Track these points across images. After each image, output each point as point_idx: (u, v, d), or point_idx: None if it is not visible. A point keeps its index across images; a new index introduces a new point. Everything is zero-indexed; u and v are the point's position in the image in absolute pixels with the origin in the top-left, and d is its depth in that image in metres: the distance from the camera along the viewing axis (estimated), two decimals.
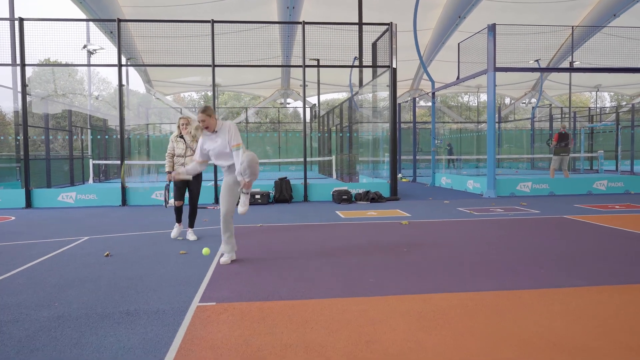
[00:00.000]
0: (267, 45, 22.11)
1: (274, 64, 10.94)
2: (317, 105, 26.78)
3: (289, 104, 33.30)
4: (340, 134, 17.55)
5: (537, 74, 32.35)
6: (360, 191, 11.08)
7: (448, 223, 7.72)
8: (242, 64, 11.07)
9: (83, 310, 3.56)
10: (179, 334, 3.08)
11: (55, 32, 11.61)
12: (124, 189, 10.76)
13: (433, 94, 15.39)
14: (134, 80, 32.18)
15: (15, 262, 5.20)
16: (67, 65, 10.90)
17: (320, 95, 35.09)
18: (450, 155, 25.99)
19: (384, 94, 14.47)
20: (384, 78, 12.50)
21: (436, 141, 15.64)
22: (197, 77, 30.98)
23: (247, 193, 5.09)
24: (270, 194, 10.94)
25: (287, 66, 11.67)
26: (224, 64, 11.02)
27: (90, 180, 18.94)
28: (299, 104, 33.39)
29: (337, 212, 9.29)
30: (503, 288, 4.00)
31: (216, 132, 4.97)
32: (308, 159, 26.49)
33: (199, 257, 5.38)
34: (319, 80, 19.92)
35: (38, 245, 6.23)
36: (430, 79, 15.29)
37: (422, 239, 6.34)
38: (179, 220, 6.71)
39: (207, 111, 4.92)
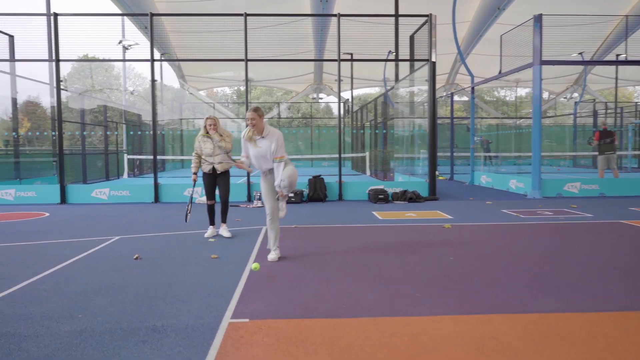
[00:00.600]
0: (300, 40, 21.84)
1: (308, 58, 10.53)
2: (350, 100, 26.33)
3: (321, 99, 32.95)
4: (376, 131, 17.08)
5: (579, 68, 31.01)
6: (397, 190, 10.64)
7: (494, 227, 7.23)
8: (275, 58, 10.74)
9: (107, 325, 3.30)
10: (209, 359, 2.77)
11: (91, 27, 11.61)
12: (157, 186, 10.64)
13: (472, 88, 14.76)
14: (168, 75, 32.52)
15: (44, 264, 5.03)
16: (100, 60, 10.87)
17: (353, 90, 34.68)
18: (488, 152, 25.15)
19: (421, 89, 13.96)
20: (422, 72, 12.00)
21: (475, 138, 15.01)
22: (229, 72, 30.96)
23: (283, 200, 5.26)
24: (304, 193, 10.63)
25: (321, 60, 11.36)
26: (257, 58, 10.74)
27: (125, 175, 19.09)
28: (332, 98, 33.02)
29: (373, 212, 8.89)
30: (570, 309, 3.54)
31: (263, 137, 4.96)
32: (334, 155, 26.01)
33: (231, 262, 5.10)
34: (352, 75, 19.50)
35: (68, 245, 6.07)
36: (470, 73, 14.66)
37: (468, 245, 5.89)
38: (212, 222, 6.71)
39: (258, 111, 4.96)
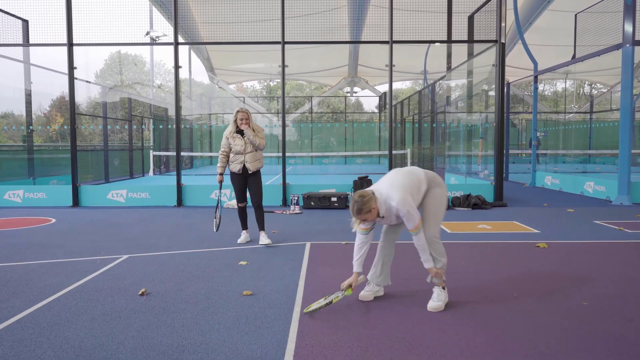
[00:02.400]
0: (334, 30, 20.27)
1: (352, 40, 9.03)
2: (387, 93, 24.70)
3: (355, 92, 31.34)
4: (426, 125, 15.43)
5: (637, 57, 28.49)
6: (459, 194, 9.05)
7: (602, 248, 5.59)
8: (315, 40, 9.28)
9: None
10: None
11: (116, 16, 10.51)
12: (179, 187, 9.33)
13: (536, 77, 12.98)
14: (197, 69, 31.27)
15: (16, 303, 3.70)
16: (119, 44, 9.60)
17: (386, 84, 32.96)
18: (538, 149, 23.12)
19: (478, 77, 12.28)
20: (484, 58, 10.37)
21: (538, 133, 13.23)
22: (260, 63, 29.67)
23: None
24: (349, 197, 9.14)
25: (369, 42, 9.72)
26: (295, 40, 9.29)
27: (151, 173, 18.00)
28: (367, 92, 31.36)
29: None
30: None
31: (383, 217, 3.57)
32: (377, 152, 24.32)
33: (272, 301, 3.65)
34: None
35: (62, 268, 4.75)
36: (533, 60, 12.89)
37: (587, 276, 4.30)
38: (244, 226, 5.99)
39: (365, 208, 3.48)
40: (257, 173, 5.74)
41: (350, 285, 3.60)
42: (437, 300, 3.55)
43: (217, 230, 5.85)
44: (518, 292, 3.92)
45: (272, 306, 3.61)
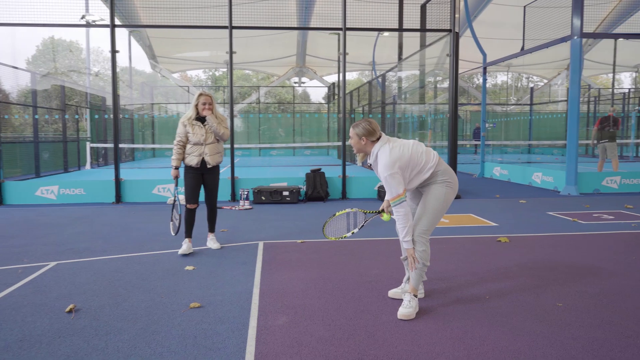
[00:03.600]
0: (281, 18, 19.73)
1: (304, 27, 8.56)
2: (336, 84, 24.37)
3: (304, 83, 30.89)
4: (380, 115, 15.23)
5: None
6: None
7: (563, 240, 5.50)
8: (265, 25, 8.76)
9: None
10: None
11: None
12: (118, 182, 8.61)
13: (484, 69, 13.04)
14: (138, 57, 29.79)
15: None
16: (50, 25, 8.68)
17: (334, 75, 32.68)
18: (477, 140, 23.65)
19: (429, 67, 12.19)
20: (433, 49, 10.25)
21: (487, 124, 13.34)
22: (205, 52, 28.63)
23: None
24: (301, 190, 8.76)
25: (322, 29, 9.21)
26: (243, 25, 8.75)
27: (88, 166, 16.85)
28: (315, 83, 30.99)
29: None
30: None
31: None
32: (330, 144, 24.02)
33: (224, 314, 3.22)
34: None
35: None
36: (482, 52, 12.93)
37: (553, 272, 4.14)
38: (189, 233, 5.04)
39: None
40: (216, 169, 5.10)
41: (382, 211, 3.55)
42: (407, 306, 3.24)
43: (176, 234, 5.07)
44: (489, 293, 3.68)
45: (224, 320, 3.18)
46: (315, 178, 8.76)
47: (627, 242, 5.37)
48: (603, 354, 2.67)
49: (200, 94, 4.91)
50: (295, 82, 30.58)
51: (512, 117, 27.48)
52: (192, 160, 4.94)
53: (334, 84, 26.12)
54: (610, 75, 34.62)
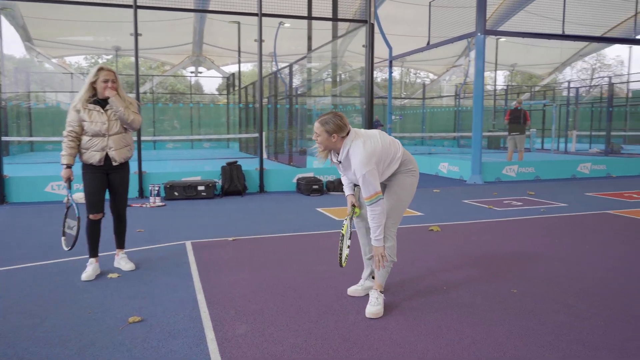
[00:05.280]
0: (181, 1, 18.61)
1: (225, 10, 8.01)
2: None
3: (200, 73, 29.66)
4: (288, 106, 14.94)
5: (459, 50, 31.70)
6: (332, 179, 8.79)
7: (489, 227, 5.72)
8: (175, 6, 8.06)
9: None
10: None
11: None
12: (2, 180, 7.46)
13: (390, 62, 13.38)
14: (10, 39, 26.54)
15: None
16: None
17: (233, 65, 31.83)
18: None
19: (341, 59, 12.20)
20: (344, 41, 10.23)
21: (393, 117, 13.72)
22: (89, 37, 26.28)
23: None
24: (217, 184, 8.26)
25: (239, 13, 8.54)
26: (150, 5, 8.00)
27: None
28: (213, 72, 29.93)
29: (319, 209, 6.93)
30: None
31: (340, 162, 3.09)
32: (227, 136, 23.25)
33: (165, 321, 2.79)
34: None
35: None
36: (388, 45, 13.24)
37: (494, 258, 4.24)
38: (94, 251, 3.93)
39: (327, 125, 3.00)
40: (124, 167, 3.98)
41: (353, 206, 3.22)
42: (375, 304, 3.06)
43: (71, 248, 3.85)
44: (444, 284, 3.64)
45: (176, 335, 2.76)
46: (232, 171, 8.32)
47: (546, 227, 5.71)
48: (574, 337, 2.70)
49: (101, 69, 3.76)
50: (191, 72, 29.25)
51: (407, 111, 28.78)
52: (93, 156, 3.79)
53: (233, 74, 25.40)
54: (489, 72, 37.76)
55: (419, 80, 42.69)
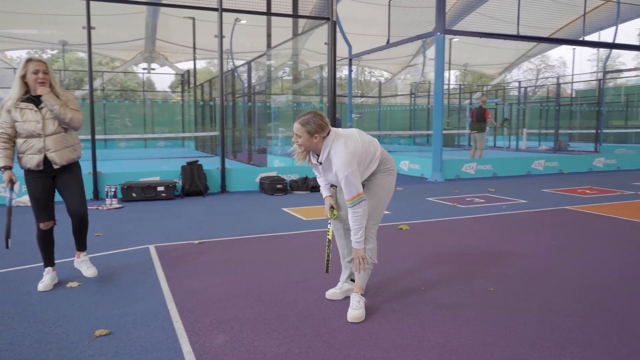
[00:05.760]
0: None
1: (185, 4, 7.71)
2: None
3: (153, 69, 28.80)
4: (250, 104, 14.68)
5: (413, 50, 32.20)
6: (296, 178, 8.67)
7: (456, 224, 5.77)
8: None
9: None
10: None
11: None
12: None
13: (350, 60, 13.39)
14: None
15: None
16: None
17: (186, 62, 31.07)
18: None
19: (301, 57, 12.09)
20: (302, 39, 10.14)
21: (353, 115, 13.73)
22: (33, 30, 24.99)
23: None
24: (177, 185, 7.98)
25: (199, 8, 8.14)
26: None
27: None
28: (166, 69, 29.13)
29: (285, 209, 6.80)
30: None
31: (320, 163, 2.98)
32: (185, 134, 22.66)
33: (136, 333, 2.61)
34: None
35: None
36: (348, 43, 13.23)
37: (466, 256, 4.26)
38: (50, 261, 3.62)
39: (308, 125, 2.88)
40: (71, 168, 3.56)
41: (331, 208, 3.12)
42: (357, 307, 2.98)
43: (8, 247, 3.38)
44: (421, 284, 3.60)
45: (148, 349, 2.58)
46: (193, 171, 8.05)
47: (510, 224, 5.82)
48: (558, 335, 2.71)
49: (29, 60, 3.36)
50: (144, 69, 28.34)
51: (364, 110, 28.98)
52: (30, 160, 3.41)
53: (188, 71, 24.79)
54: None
55: (373, 79, 43.19)
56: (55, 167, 3.46)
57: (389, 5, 11.66)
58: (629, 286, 3.53)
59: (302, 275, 3.81)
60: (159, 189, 7.60)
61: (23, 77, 3.36)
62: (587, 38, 13.02)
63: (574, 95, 27.74)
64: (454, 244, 4.82)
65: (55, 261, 3.71)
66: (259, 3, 9.98)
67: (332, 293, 3.32)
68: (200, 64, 41.84)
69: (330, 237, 3.07)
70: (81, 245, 3.77)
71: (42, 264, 3.63)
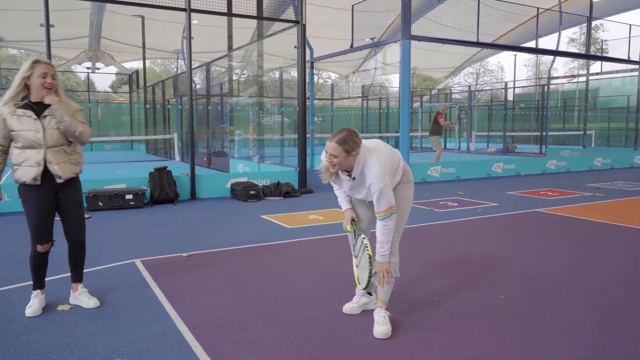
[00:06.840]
0: None
1: (147, 4, 7.27)
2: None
3: (98, 69, 27.53)
4: (209, 107, 14.27)
5: (363, 54, 32.54)
6: (269, 183, 8.50)
7: (439, 229, 5.82)
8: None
9: None
10: None
11: None
12: None
13: (312, 63, 13.32)
14: None
15: None
16: None
17: (133, 62, 29.97)
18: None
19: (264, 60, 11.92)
20: (272, 40, 10.01)
21: (315, 118, 13.68)
22: None
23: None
24: (146, 192, 7.61)
25: (166, 8, 7.68)
26: None
27: None
28: (112, 69, 27.93)
29: (264, 217, 6.63)
30: None
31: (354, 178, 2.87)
32: (143, 137, 21.80)
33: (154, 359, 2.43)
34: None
35: None
36: (309, 47, 13.15)
37: (468, 262, 4.29)
38: (40, 282, 3.31)
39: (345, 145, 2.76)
40: (74, 184, 3.27)
41: (352, 221, 3.06)
42: (384, 323, 2.91)
43: None
44: (432, 294, 3.59)
45: None
46: (162, 178, 7.71)
47: (491, 227, 5.95)
48: (577, 345, 2.75)
49: (37, 61, 3.00)
50: (88, 68, 27.04)
51: (317, 113, 28.97)
52: (27, 173, 3.06)
53: (137, 71, 23.88)
54: (390, 75, 39.35)
55: (325, 82, 43.38)
56: (59, 181, 3.14)
57: (352, 10, 11.70)
58: (628, 290, 3.66)
59: (309, 289, 3.70)
60: (127, 197, 7.21)
61: (27, 78, 3.02)
62: (526, 45, 13.59)
63: (514, 99, 28.93)
64: (446, 250, 4.85)
65: (28, 282, 3.40)
66: (221, 3, 9.73)
67: (349, 308, 3.23)
68: (147, 64, 40.56)
69: (370, 252, 2.96)
70: (79, 277, 3.45)
71: (24, 284, 3.33)
